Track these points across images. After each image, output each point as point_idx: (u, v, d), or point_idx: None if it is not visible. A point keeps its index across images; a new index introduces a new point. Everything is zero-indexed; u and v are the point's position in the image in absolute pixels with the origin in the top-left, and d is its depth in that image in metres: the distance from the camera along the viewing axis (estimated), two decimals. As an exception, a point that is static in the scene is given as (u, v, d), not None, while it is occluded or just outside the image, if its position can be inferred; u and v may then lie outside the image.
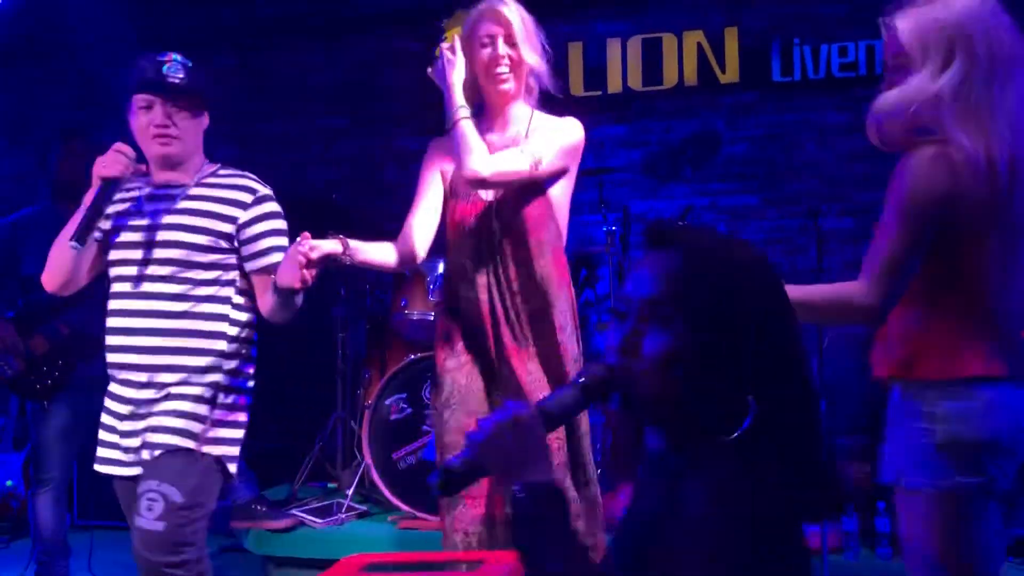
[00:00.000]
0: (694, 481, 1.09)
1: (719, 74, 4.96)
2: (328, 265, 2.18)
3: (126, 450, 2.26)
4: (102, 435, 2.32)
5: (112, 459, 2.30)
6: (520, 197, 2.29)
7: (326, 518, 3.62)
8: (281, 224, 2.37)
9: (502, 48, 2.25)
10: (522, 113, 2.37)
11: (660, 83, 5.04)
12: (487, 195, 2.31)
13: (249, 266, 2.32)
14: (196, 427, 2.23)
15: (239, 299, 2.33)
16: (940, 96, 1.67)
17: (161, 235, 2.26)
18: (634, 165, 4.95)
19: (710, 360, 1.09)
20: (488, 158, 2.21)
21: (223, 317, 2.30)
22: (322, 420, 4.26)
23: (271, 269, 2.28)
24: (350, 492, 3.77)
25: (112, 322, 2.29)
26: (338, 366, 4.31)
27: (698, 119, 5.00)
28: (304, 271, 2.08)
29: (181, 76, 2.27)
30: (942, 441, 1.67)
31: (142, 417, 2.24)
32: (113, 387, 2.30)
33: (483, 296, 2.30)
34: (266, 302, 2.29)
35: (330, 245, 2.16)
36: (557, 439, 2.21)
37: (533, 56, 2.30)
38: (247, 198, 2.33)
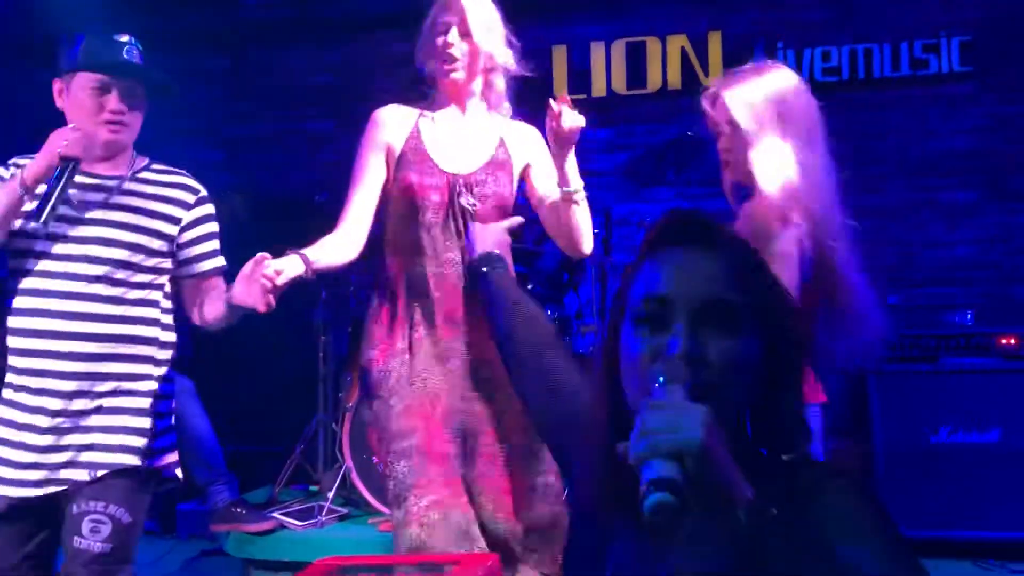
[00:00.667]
0: (796, 498, 0.94)
1: (703, 78, 4.98)
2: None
3: (48, 467, 2.03)
4: (4, 453, 2.05)
5: (20, 480, 2.03)
6: (496, 178, 2.26)
7: (306, 521, 3.60)
8: (217, 227, 2.27)
9: (452, 37, 2.20)
10: (481, 113, 2.32)
11: (644, 87, 5.06)
12: (454, 167, 2.24)
13: (188, 270, 2.21)
14: (140, 442, 2.10)
15: (167, 303, 2.19)
16: (792, 166, 1.91)
17: (98, 231, 2.08)
18: (618, 168, 4.96)
19: (778, 364, 1.03)
20: (590, 231, 2.27)
21: (155, 322, 2.16)
22: (303, 423, 4.24)
23: (210, 274, 2.21)
24: (331, 495, 3.74)
25: (26, 323, 2.04)
26: (320, 369, 4.29)
27: (682, 123, 5.02)
28: (268, 295, 1.95)
29: (138, 61, 2.13)
30: None
31: (70, 431, 2.04)
32: (22, 397, 2.04)
33: (450, 271, 2.20)
34: (209, 310, 2.17)
35: (294, 268, 2.02)
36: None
37: (493, 49, 2.25)
38: (190, 198, 2.21)
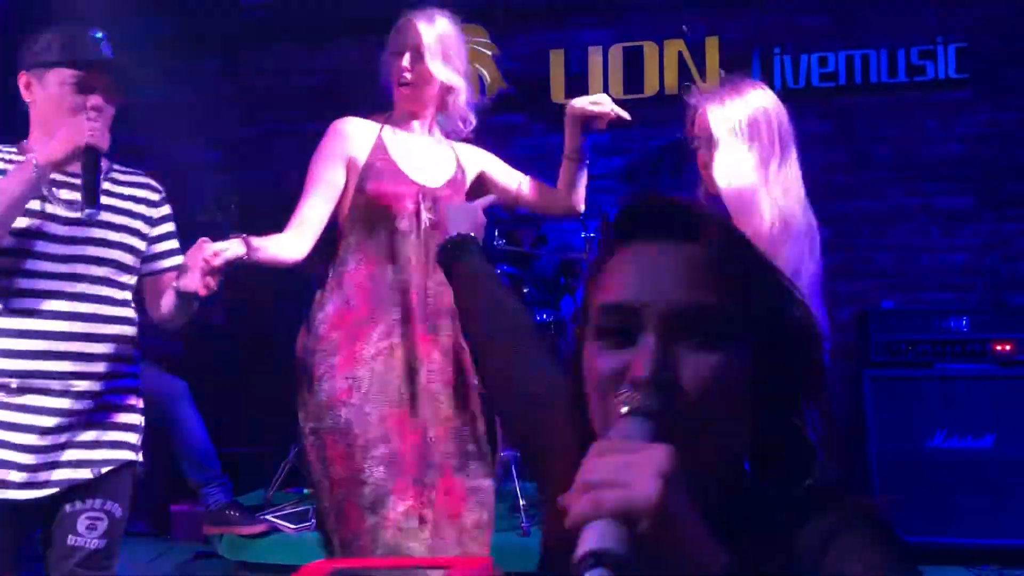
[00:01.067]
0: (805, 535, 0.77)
1: (700, 83, 4.98)
2: (232, 266, 2.02)
3: (49, 467, 1.99)
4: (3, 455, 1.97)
5: (24, 482, 1.97)
6: (457, 196, 2.32)
7: (300, 524, 3.59)
8: (175, 226, 2.27)
9: (407, 61, 2.26)
10: (436, 133, 2.39)
11: (641, 91, 5.05)
12: (422, 179, 2.30)
13: (153, 267, 2.20)
14: (134, 437, 2.14)
15: (133, 302, 2.19)
16: (762, 175, 2.01)
17: (92, 232, 2.05)
18: (615, 172, 4.97)
19: (779, 377, 0.85)
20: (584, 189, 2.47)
21: (132, 320, 2.15)
22: (298, 425, 4.22)
23: (170, 271, 2.18)
24: (325, 498, 3.73)
25: (24, 324, 1.98)
26: (315, 371, 4.27)
27: (678, 127, 5.01)
28: (208, 278, 1.94)
29: (112, 55, 2.08)
30: None
31: (72, 431, 2.01)
32: (19, 398, 1.97)
33: (417, 278, 2.24)
34: (164, 306, 2.15)
35: (233, 250, 2.01)
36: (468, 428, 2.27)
37: (449, 75, 2.29)
38: (155, 196, 2.21)
